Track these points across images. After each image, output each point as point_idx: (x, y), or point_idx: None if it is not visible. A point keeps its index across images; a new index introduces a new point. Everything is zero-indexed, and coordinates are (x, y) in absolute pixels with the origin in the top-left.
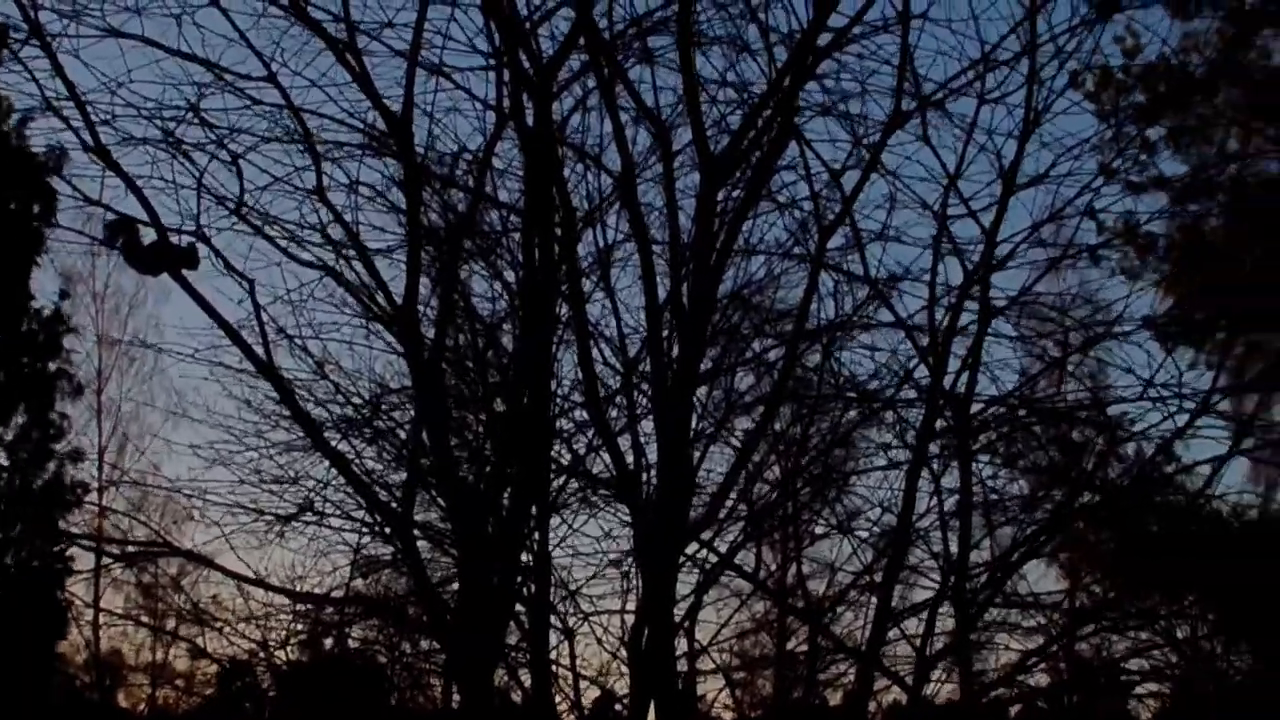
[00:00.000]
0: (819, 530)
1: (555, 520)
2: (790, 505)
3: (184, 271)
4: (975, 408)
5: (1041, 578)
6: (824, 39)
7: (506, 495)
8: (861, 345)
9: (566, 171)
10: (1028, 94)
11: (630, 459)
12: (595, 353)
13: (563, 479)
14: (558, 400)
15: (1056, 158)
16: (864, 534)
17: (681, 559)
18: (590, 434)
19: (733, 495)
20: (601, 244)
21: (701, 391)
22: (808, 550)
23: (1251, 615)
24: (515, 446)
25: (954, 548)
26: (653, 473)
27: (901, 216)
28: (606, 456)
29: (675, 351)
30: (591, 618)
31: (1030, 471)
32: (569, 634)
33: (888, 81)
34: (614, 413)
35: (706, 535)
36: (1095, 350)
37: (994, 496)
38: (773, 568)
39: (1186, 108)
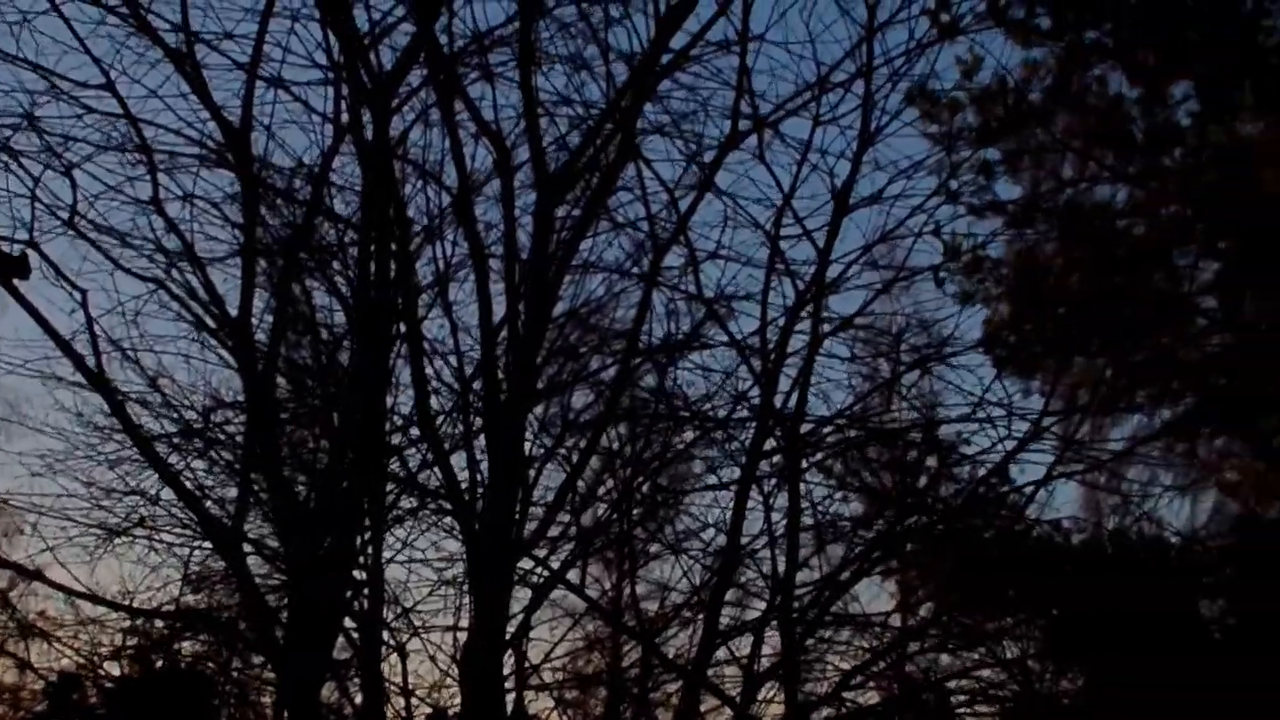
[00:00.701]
0: (652, 549)
1: (389, 536)
2: (622, 524)
3: (15, 281)
4: (806, 427)
5: (875, 599)
6: (664, 59)
7: (340, 510)
8: (695, 365)
9: (406, 187)
10: (863, 116)
11: (465, 476)
12: (432, 369)
13: (396, 494)
14: (393, 416)
15: (890, 178)
16: (696, 554)
17: (515, 576)
18: (424, 450)
19: (566, 512)
20: (440, 260)
21: (539, 410)
22: (642, 570)
23: (1081, 638)
24: (349, 461)
25: (784, 567)
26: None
27: (739, 236)
28: (440, 473)
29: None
30: (424, 633)
31: (861, 491)
32: (401, 650)
33: (725, 102)
34: (449, 429)
35: (540, 553)
36: (927, 370)
37: (825, 516)
38: (606, 587)
39: (1023, 132)
